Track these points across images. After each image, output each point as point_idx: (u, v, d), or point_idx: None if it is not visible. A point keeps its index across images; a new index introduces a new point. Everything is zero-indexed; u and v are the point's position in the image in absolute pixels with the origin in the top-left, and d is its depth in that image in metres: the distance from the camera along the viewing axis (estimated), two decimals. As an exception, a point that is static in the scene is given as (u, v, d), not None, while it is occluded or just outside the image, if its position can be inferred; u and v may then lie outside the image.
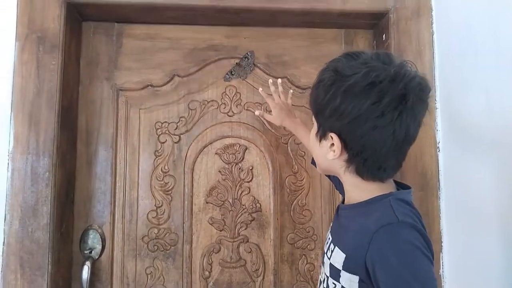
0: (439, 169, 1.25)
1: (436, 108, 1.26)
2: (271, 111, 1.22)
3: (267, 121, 1.32)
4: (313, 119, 0.81)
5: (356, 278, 0.70)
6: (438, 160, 1.25)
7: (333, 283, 0.75)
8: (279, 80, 1.22)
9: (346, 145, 0.73)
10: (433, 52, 1.29)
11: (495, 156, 1.00)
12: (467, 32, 1.13)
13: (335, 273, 0.75)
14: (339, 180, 0.87)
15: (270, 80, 1.24)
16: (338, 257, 0.74)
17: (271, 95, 1.22)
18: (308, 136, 1.15)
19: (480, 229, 1.05)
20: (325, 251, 0.83)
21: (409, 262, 0.64)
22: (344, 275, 0.72)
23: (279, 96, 1.21)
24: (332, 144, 0.75)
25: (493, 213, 1.00)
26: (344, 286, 0.72)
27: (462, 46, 1.16)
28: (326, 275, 0.78)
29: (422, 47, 1.29)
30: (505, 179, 0.96)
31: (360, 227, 0.73)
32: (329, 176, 1.13)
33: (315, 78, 0.79)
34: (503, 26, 0.98)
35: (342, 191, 1.01)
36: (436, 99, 1.26)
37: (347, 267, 0.72)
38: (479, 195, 1.06)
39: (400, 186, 0.81)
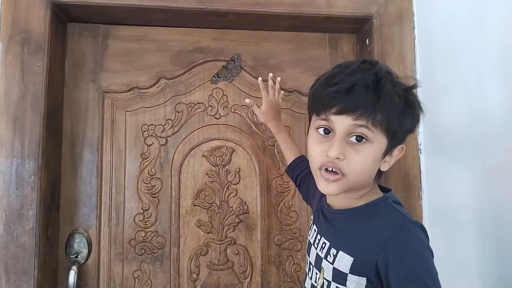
0: (421, 171, 1.29)
1: (418, 112, 1.29)
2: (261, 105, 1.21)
3: (254, 121, 1.34)
4: (374, 136, 0.73)
5: (363, 280, 0.71)
6: (420, 162, 1.29)
7: (337, 287, 0.75)
8: (279, 78, 1.22)
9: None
10: (415, 57, 1.33)
11: (475, 159, 1.04)
12: (448, 38, 1.17)
13: (340, 277, 0.75)
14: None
15: (271, 74, 1.21)
16: (344, 261, 0.75)
17: (266, 89, 1.20)
18: (284, 139, 1.18)
19: (459, 228, 1.09)
20: (321, 256, 0.81)
21: (421, 258, 0.68)
22: (351, 278, 0.73)
23: (274, 94, 1.20)
24: (390, 155, 0.78)
25: (472, 213, 1.04)
26: None
27: (443, 51, 1.20)
28: (327, 280, 0.78)
29: (404, 51, 1.33)
30: (484, 180, 1.00)
31: (369, 230, 0.74)
32: (299, 187, 1.14)
33: (386, 94, 0.72)
34: (483, 31, 1.02)
35: (305, 192, 1.08)
36: (418, 102, 1.30)
37: (355, 270, 0.73)
38: (459, 196, 1.10)
39: (381, 188, 0.84)
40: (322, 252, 0.81)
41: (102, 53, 1.32)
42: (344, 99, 0.71)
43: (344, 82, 0.72)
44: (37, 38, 1.15)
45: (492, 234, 0.97)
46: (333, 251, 0.78)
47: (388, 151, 0.76)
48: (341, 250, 0.76)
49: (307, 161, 1.09)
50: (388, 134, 0.73)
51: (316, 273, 0.82)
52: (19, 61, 1.14)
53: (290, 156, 1.16)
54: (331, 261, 0.78)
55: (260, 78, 1.24)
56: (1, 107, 1.13)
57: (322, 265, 0.80)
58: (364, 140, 0.72)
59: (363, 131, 0.71)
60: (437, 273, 0.68)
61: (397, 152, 0.79)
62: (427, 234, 0.72)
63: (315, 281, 0.82)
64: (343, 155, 0.72)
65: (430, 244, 1.15)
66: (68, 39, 1.31)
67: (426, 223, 1.26)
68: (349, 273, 0.73)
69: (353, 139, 0.73)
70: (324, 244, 0.82)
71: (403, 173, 1.26)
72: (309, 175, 1.03)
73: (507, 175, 0.92)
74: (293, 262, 1.36)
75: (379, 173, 0.80)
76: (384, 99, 0.71)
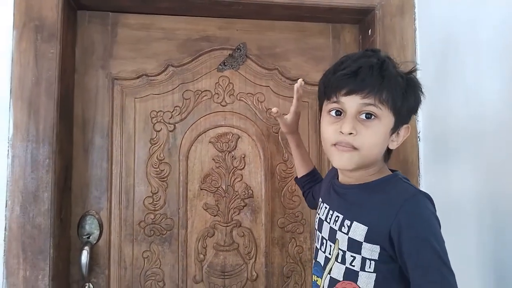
0: (419, 157, 1.34)
1: (418, 100, 1.35)
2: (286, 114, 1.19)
3: (258, 108, 1.40)
4: (382, 113, 0.81)
5: (377, 248, 0.78)
6: (418, 149, 1.34)
7: (352, 255, 0.81)
8: (302, 82, 1.15)
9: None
10: (415, 47, 1.38)
11: (471, 146, 1.09)
12: (448, 29, 1.21)
13: (355, 246, 0.81)
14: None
15: (301, 81, 1.15)
16: (359, 230, 0.80)
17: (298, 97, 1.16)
18: (301, 154, 1.21)
19: (457, 213, 1.14)
20: (335, 228, 0.86)
21: (430, 225, 0.76)
22: (366, 246, 0.79)
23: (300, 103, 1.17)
24: (397, 134, 0.86)
25: (469, 198, 1.10)
26: (365, 256, 0.79)
27: (443, 42, 1.24)
28: (342, 250, 0.83)
29: (405, 42, 1.37)
30: (480, 166, 1.06)
31: (382, 202, 0.81)
32: (306, 198, 1.23)
33: (389, 76, 0.81)
34: (482, 23, 1.06)
35: (311, 199, 1.18)
36: (418, 91, 1.35)
37: (369, 238, 0.79)
38: (455, 181, 1.16)
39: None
40: (335, 225, 0.87)
41: (111, 40, 1.36)
42: (352, 81, 0.80)
43: (351, 66, 0.82)
44: (50, 26, 1.18)
45: (489, 221, 1.03)
46: (347, 222, 0.84)
47: (395, 128, 0.84)
48: (355, 221, 0.82)
49: (318, 175, 1.22)
50: (394, 111, 0.82)
51: (331, 246, 0.88)
52: (32, 48, 1.17)
53: (302, 170, 1.22)
54: (345, 232, 0.83)
55: (300, 80, 1.15)
56: (16, 92, 1.16)
57: (336, 237, 0.86)
58: (373, 117, 0.81)
59: (371, 108, 0.80)
60: (443, 241, 0.75)
61: (403, 132, 0.87)
62: (434, 205, 0.80)
63: (330, 253, 0.87)
64: (355, 130, 0.80)
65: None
66: (78, 26, 1.34)
67: (423, 207, 1.32)
68: (364, 241, 0.79)
69: (363, 116, 0.81)
70: (337, 217, 0.87)
71: (402, 159, 1.32)
72: (313, 186, 1.19)
73: (501, 165, 0.98)
74: (296, 244, 1.42)
75: (388, 152, 0.88)
76: (388, 78, 0.80)
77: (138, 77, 1.36)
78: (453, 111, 1.18)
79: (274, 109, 1.15)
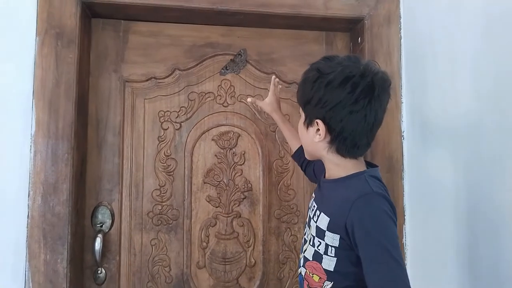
0: (403, 154, 1.47)
1: (402, 102, 1.47)
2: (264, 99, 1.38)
3: (257, 109, 1.52)
4: (301, 111, 0.99)
5: (337, 237, 0.89)
6: (402, 147, 1.47)
7: (319, 241, 0.94)
8: (275, 78, 1.37)
9: (329, 128, 0.91)
10: (401, 54, 1.50)
11: (450, 143, 1.21)
12: (429, 38, 1.34)
13: (320, 233, 0.93)
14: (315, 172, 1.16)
15: (274, 77, 1.37)
16: (323, 221, 0.93)
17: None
18: (288, 129, 1.35)
19: (437, 205, 1.26)
20: (311, 216, 1.01)
21: (379, 223, 0.84)
22: (328, 234, 0.91)
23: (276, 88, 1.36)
24: (318, 129, 0.93)
25: (449, 192, 1.20)
26: (327, 243, 0.91)
27: (424, 50, 1.36)
28: (313, 235, 0.97)
29: (392, 49, 1.50)
30: (458, 162, 1.17)
31: (342, 197, 0.91)
32: (305, 171, 1.31)
33: (301, 77, 0.98)
34: (458, 34, 1.18)
35: (312, 174, 1.24)
36: (402, 94, 1.48)
37: (330, 228, 0.91)
38: (436, 176, 1.28)
39: (369, 165, 1.01)
40: (312, 213, 1.00)
41: (123, 46, 1.48)
42: None
43: None
44: (69, 33, 1.30)
45: (464, 212, 1.14)
46: (317, 212, 0.97)
47: (308, 122, 0.96)
48: (322, 212, 0.95)
49: None
50: (302, 107, 0.97)
51: (308, 230, 1.02)
52: (53, 53, 1.29)
53: (295, 143, 1.32)
54: (315, 220, 0.97)
55: (274, 76, 1.40)
56: (37, 93, 1.28)
57: (311, 224, 1.00)
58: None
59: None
60: (396, 236, 0.83)
61: (320, 126, 0.93)
62: (392, 205, 0.87)
63: (307, 237, 1.02)
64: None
65: (409, 220, 1.36)
66: (92, 33, 1.46)
67: (406, 199, 1.44)
68: (326, 230, 0.92)
69: None
70: (314, 207, 1.01)
71: (387, 156, 1.45)
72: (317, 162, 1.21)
73: (476, 160, 1.09)
74: (291, 233, 1.54)
75: (353, 148, 0.94)
76: (302, 79, 0.98)
77: (147, 80, 1.48)
78: (432, 112, 1.30)
79: (249, 99, 1.41)
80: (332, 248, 0.90)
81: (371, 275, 0.82)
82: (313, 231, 0.97)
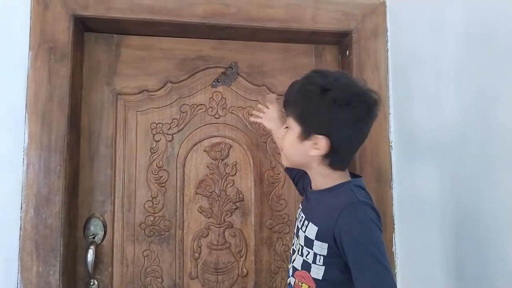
0: (392, 164, 1.49)
1: (390, 114, 1.50)
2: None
3: (248, 121, 1.55)
4: (292, 123, 0.98)
5: (325, 245, 0.92)
6: (391, 157, 1.50)
7: (307, 250, 0.96)
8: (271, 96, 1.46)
9: (330, 144, 0.92)
10: (388, 67, 1.53)
11: (436, 153, 1.24)
12: (414, 51, 1.37)
13: (309, 243, 0.96)
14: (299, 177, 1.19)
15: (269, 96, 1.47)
16: (311, 230, 0.96)
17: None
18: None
19: (424, 215, 1.29)
20: (300, 227, 1.03)
21: (366, 230, 0.87)
22: (316, 243, 0.94)
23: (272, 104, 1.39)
24: (315, 143, 0.93)
25: (436, 201, 1.23)
26: (316, 252, 0.94)
27: (410, 62, 1.40)
28: (301, 245, 0.99)
29: (379, 62, 1.53)
30: (444, 172, 1.20)
31: (329, 206, 0.94)
32: (296, 185, 1.33)
33: (295, 89, 0.99)
34: (442, 47, 1.22)
35: (301, 187, 1.26)
36: (390, 105, 1.51)
37: (319, 237, 0.93)
38: (424, 186, 1.30)
39: (353, 175, 1.03)
40: (300, 224, 1.03)
41: (115, 59, 1.50)
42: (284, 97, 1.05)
43: None
44: (62, 47, 1.32)
45: (450, 220, 1.16)
46: (305, 222, 1.00)
47: (304, 136, 0.96)
48: (310, 222, 0.98)
49: None
50: (298, 121, 0.97)
51: (296, 241, 1.04)
52: (46, 67, 1.31)
53: None
54: (304, 230, 0.99)
55: (272, 94, 1.51)
56: (30, 107, 1.29)
57: (299, 234, 1.02)
58: (287, 127, 1.02)
59: (288, 120, 1.02)
60: (382, 242, 0.86)
61: (321, 142, 0.93)
62: (377, 212, 0.90)
63: (295, 247, 1.04)
64: (283, 136, 1.05)
65: (398, 229, 1.39)
66: (85, 46, 1.48)
67: (395, 208, 1.46)
68: (315, 239, 0.94)
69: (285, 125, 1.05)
70: (302, 218, 1.03)
71: (376, 166, 1.47)
72: (304, 174, 1.21)
73: (461, 170, 1.12)
74: (282, 243, 1.56)
75: (339, 160, 0.97)
76: (295, 93, 1.00)
77: (139, 93, 1.51)
78: (419, 124, 1.34)
79: (252, 118, 1.43)
80: (321, 257, 0.92)
81: (360, 281, 0.84)
82: (302, 241, 0.99)
